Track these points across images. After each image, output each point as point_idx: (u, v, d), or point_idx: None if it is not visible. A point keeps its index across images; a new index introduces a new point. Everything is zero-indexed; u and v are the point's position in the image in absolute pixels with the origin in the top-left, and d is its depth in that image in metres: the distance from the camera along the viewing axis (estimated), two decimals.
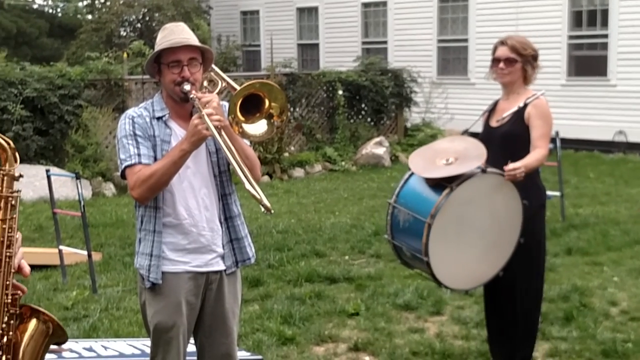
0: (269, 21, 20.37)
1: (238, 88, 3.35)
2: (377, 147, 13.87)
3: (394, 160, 14.02)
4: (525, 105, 4.56)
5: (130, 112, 3.41)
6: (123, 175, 3.35)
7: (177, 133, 3.36)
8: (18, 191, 1.94)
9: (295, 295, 6.23)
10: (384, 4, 18.03)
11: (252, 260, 3.56)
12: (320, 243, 7.94)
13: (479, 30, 16.26)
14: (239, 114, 3.24)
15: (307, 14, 19.79)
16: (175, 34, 3.33)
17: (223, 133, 3.19)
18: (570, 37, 14.92)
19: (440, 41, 17.08)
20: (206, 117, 3.16)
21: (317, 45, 19.56)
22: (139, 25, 21.20)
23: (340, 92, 13.97)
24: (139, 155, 3.29)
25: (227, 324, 3.49)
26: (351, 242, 7.99)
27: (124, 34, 20.98)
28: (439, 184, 4.37)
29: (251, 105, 3.27)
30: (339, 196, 10.96)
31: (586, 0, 14.80)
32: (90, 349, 4.80)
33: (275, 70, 13.95)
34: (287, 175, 12.68)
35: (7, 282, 1.88)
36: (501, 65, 4.62)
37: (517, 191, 4.40)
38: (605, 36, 14.43)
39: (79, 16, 27.52)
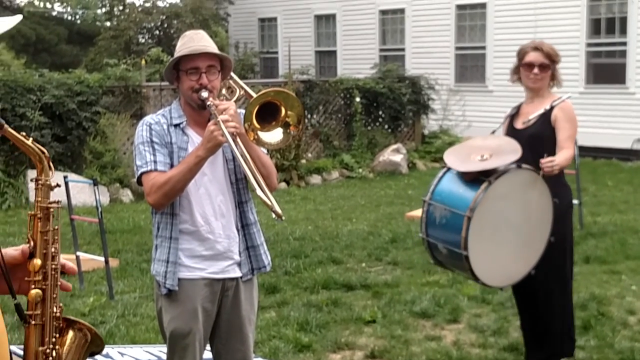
0: (287, 28, 20.41)
1: (252, 93, 3.37)
2: (394, 154, 13.85)
3: (411, 167, 13.99)
4: (552, 107, 4.70)
5: (148, 118, 3.42)
6: (139, 182, 3.37)
7: (195, 140, 3.37)
8: (58, 202, 1.90)
9: (311, 302, 6.22)
10: (402, 11, 18.02)
11: (268, 269, 3.56)
12: (337, 250, 7.93)
13: (497, 37, 16.22)
14: (254, 121, 3.24)
15: (325, 21, 19.82)
16: (195, 41, 3.35)
17: (239, 140, 3.20)
18: (589, 45, 14.85)
19: (458, 48, 17.05)
20: (222, 124, 3.17)
21: (334, 52, 19.58)
22: (157, 32, 21.32)
23: (358, 99, 13.97)
24: (155, 162, 3.30)
25: (243, 331, 3.49)
26: (368, 249, 7.98)
27: (142, 41, 21.10)
28: (475, 179, 4.48)
29: (267, 114, 3.27)
30: (356, 203, 10.95)
31: (605, 8, 14.74)
32: (107, 356, 4.81)
33: (292, 77, 13.97)
34: (304, 182, 12.68)
35: (55, 295, 1.86)
36: (535, 70, 4.73)
37: (548, 189, 4.51)
38: (624, 44, 14.35)
39: (97, 23, 27.72)
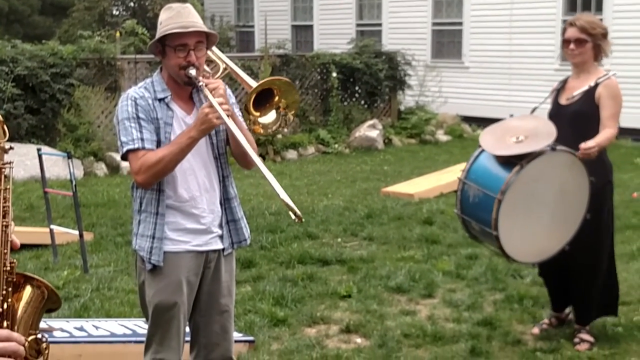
0: (263, 2, 20.26)
1: (244, 77, 3.38)
2: (370, 130, 13.85)
3: (387, 143, 14.01)
4: (597, 84, 4.72)
5: (132, 92, 3.36)
6: (124, 158, 3.32)
7: (179, 115, 3.35)
8: (10, 162, 1.97)
9: (287, 277, 6.23)
10: None
11: (248, 242, 3.59)
12: (313, 225, 7.94)
13: (473, 13, 16.21)
14: (252, 110, 3.28)
15: None
16: (183, 16, 3.28)
17: (232, 121, 3.21)
18: (565, 22, 14.87)
19: (434, 24, 17.02)
20: (218, 106, 3.16)
21: (311, 27, 19.48)
22: (131, 4, 21.06)
23: (334, 74, 13.92)
24: (142, 139, 3.26)
25: (222, 302, 3.50)
26: (344, 225, 7.99)
27: (117, 13, 20.84)
28: (509, 161, 4.57)
29: (262, 98, 3.31)
30: (331, 179, 10.95)
31: None
32: (81, 329, 4.79)
33: (269, 52, 13.89)
34: (280, 157, 12.66)
35: (5, 251, 1.92)
36: (571, 46, 4.78)
37: (584, 168, 4.60)
38: (600, 20, 14.38)
39: None
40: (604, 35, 4.80)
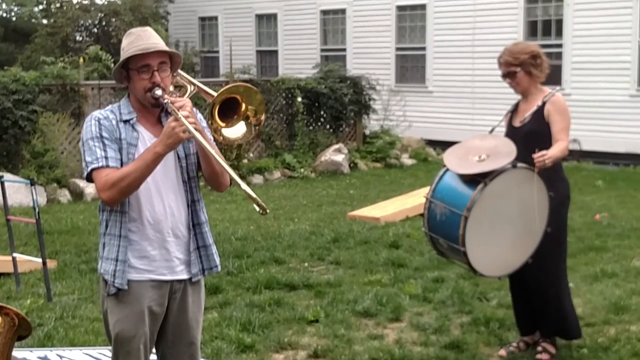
0: (228, 27, 20.31)
1: (207, 89, 3.36)
2: (336, 154, 13.90)
3: (352, 167, 14.06)
4: (544, 103, 4.94)
5: (97, 113, 3.35)
6: (89, 178, 3.28)
7: (145, 137, 3.32)
8: None
9: (254, 302, 6.20)
10: (343, 11, 18.09)
11: (219, 268, 3.52)
12: (280, 250, 7.92)
13: (436, 39, 16.40)
14: (218, 120, 3.22)
15: (267, 21, 19.78)
16: (144, 39, 3.29)
17: (201, 135, 3.17)
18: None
19: (398, 49, 17.18)
20: (184, 120, 3.13)
21: (276, 52, 19.55)
22: (95, 30, 20.98)
23: (299, 99, 13.97)
24: (106, 157, 3.24)
25: (190, 333, 3.46)
26: (310, 249, 7.98)
27: (80, 38, 20.73)
28: (473, 180, 4.74)
29: (228, 109, 3.26)
30: (298, 203, 10.95)
31: (541, 10, 15.03)
32: (45, 358, 4.72)
33: (234, 77, 13.91)
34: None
35: None
36: (507, 81, 5.07)
37: (544, 184, 4.78)
38: (560, 45, 14.64)
39: (33, 20, 27.14)
40: (534, 57, 5.00)
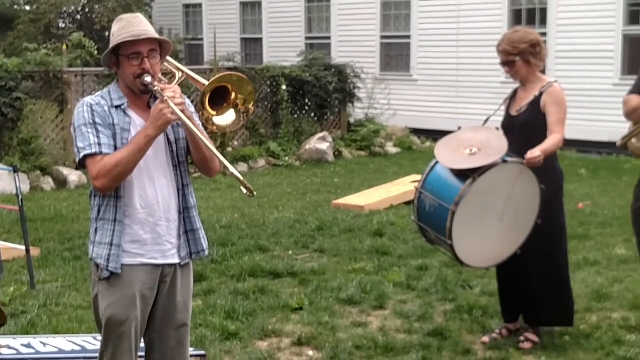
0: (212, 15, 20.22)
1: (196, 77, 3.40)
2: (320, 143, 13.89)
3: (337, 156, 14.06)
4: (541, 94, 4.91)
5: (88, 99, 3.36)
6: (82, 164, 3.29)
7: (136, 122, 3.34)
8: None
9: (238, 290, 6.20)
10: None
11: (206, 252, 3.57)
12: (264, 238, 7.92)
13: (421, 27, 16.40)
14: (208, 108, 3.28)
15: (251, 8, 19.71)
16: (134, 25, 3.30)
17: (186, 115, 3.22)
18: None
19: (383, 37, 17.17)
20: (170, 102, 3.17)
21: (260, 39, 19.49)
22: (78, 17, 20.83)
23: (284, 87, 13.94)
24: (99, 144, 3.25)
25: (178, 317, 3.48)
26: (295, 237, 7.99)
27: (63, 25, 20.58)
28: (462, 173, 4.75)
29: (218, 97, 3.31)
30: (282, 191, 10.95)
31: None
32: (28, 346, 4.70)
33: (218, 65, 13.85)
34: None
35: None
36: (505, 69, 5.02)
37: (535, 177, 4.78)
38: (544, 34, 14.66)
39: (16, 7, 26.89)
40: (534, 45, 4.96)
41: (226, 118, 3.36)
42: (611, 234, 8.05)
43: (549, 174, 4.88)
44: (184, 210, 3.45)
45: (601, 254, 7.26)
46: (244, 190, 3.08)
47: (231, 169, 3.10)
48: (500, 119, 5.19)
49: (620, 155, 13.48)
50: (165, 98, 3.19)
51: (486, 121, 5.17)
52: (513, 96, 5.14)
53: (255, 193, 3.11)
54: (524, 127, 4.91)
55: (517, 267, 5.04)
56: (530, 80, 5.00)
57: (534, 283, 5.06)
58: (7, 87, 11.16)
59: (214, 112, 3.32)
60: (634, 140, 4.42)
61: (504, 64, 5.00)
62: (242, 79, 3.36)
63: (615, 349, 4.99)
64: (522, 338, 5.09)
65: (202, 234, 3.53)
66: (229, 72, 3.41)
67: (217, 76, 3.32)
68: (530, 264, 5.00)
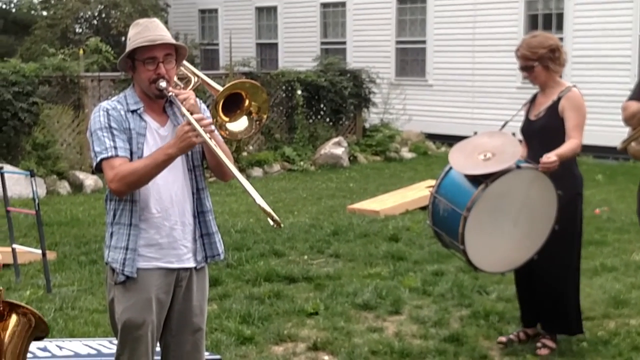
0: (228, 20, 20.28)
1: (211, 82, 3.41)
2: (335, 148, 13.89)
3: (352, 161, 14.04)
4: (559, 98, 4.89)
5: (104, 104, 3.38)
6: (98, 168, 3.31)
7: (152, 126, 3.36)
8: None
9: (254, 294, 6.20)
10: (343, 4, 18.06)
11: (222, 257, 3.57)
12: (279, 243, 7.91)
13: (437, 32, 16.38)
14: (222, 115, 3.28)
15: (267, 14, 19.75)
16: (151, 30, 3.31)
17: (212, 139, 3.23)
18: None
19: (398, 42, 17.16)
20: (196, 124, 3.17)
21: (275, 44, 19.53)
22: (95, 22, 20.95)
23: (299, 92, 13.95)
24: (115, 147, 3.27)
25: (194, 321, 3.48)
26: (310, 242, 7.98)
27: (80, 30, 20.70)
28: (476, 178, 4.74)
29: (231, 103, 3.31)
30: (297, 196, 10.94)
31: (542, 4, 15.01)
32: (44, 349, 4.71)
33: (234, 70, 13.88)
34: (246, 175, 12.61)
35: None
36: (524, 74, 5.02)
37: (551, 182, 4.74)
38: (561, 39, 14.54)
39: (33, 12, 27.09)
40: (552, 51, 4.93)
41: (239, 125, 3.37)
42: (629, 240, 7.99)
43: (567, 180, 4.84)
44: (199, 214, 3.45)
45: (619, 260, 7.21)
46: (271, 222, 3.08)
47: (258, 200, 3.06)
48: (519, 124, 5.16)
49: (637, 161, 13.39)
50: (192, 120, 3.18)
51: (504, 126, 5.14)
52: (532, 101, 5.12)
53: (282, 225, 3.11)
54: (543, 131, 4.89)
55: (535, 272, 5.01)
56: (550, 85, 4.98)
57: (550, 289, 5.02)
58: (24, 92, 11.23)
59: (227, 119, 3.32)
60: (633, 143, 4.41)
61: (523, 69, 4.99)
62: (256, 86, 3.36)
63: (633, 356, 4.95)
64: (539, 344, 5.05)
65: (217, 237, 3.53)
66: (243, 80, 3.40)
67: (231, 83, 3.32)
68: (547, 270, 4.96)
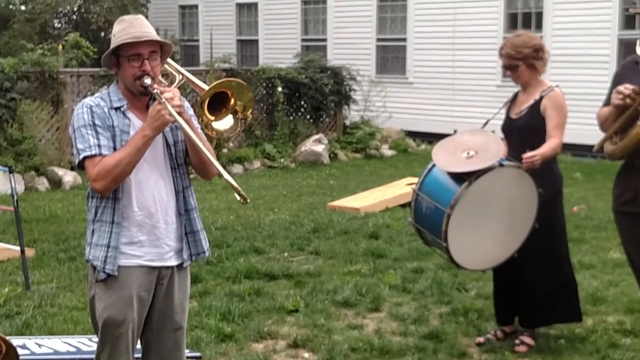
0: (208, 16, 20.22)
1: (196, 81, 3.42)
2: (316, 145, 13.89)
3: (332, 158, 14.06)
4: (541, 97, 4.91)
5: (88, 101, 3.36)
6: (81, 166, 3.29)
7: (135, 124, 3.34)
8: None
9: (234, 292, 6.20)
10: (324, 1, 18.06)
11: (207, 254, 3.58)
12: (260, 240, 7.91)
13: (417, 30, 16.41)
14: (207, 114, 3.30)
15: (247, 10, 19.71)
16: (136, 27, 3.30)
17: (184, 118, 3.24)
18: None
19: (379, 40, 17.19)
20: (167, 104, 3.18)
21: (256, 41, 19.49)
22: (74, 17, 20.81)
23: (280, 89, 13.94)
24: (99, 146, 3.25)
25: (175, 319, 3.48)
26: (290, 239, 7.98)
27: (59, 25, 20.56)
28: (459, 176, 4.77)
29: (217, 102, 3.33)
30: (278, 193, 10.94)
31: (521, 2, 15.08)
32: (23, 347, 4.69)
33: (214, 66, 13.84)
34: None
35: None
36: (508, 73, 5.05)
37: (532, 180, 4.78)
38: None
39: (11, 6, 26.85)
40: (537, 50, 4.97)
41: (224, 123, 3.38)
42: (606, 238, 8.06)
43: (547, 179, 4.89)
44: (184, 212, 3.45)
45: (596, 258, 7.27)
46: (237, 197, 3.10)
47: (225, 175, 3.13)
48: (500, 122, 5.19)
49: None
50: (163, 100, 3.19)
51: (485, 124, 5.16)
52: (513, 99, 5.15)
53: (248, 200, 3.13)
54: (524, 130, 4.93)
55: (515, 270, 5.04)
56: (532, 84, 5.01)
57: (531, 285, 5.05)
58: (2, 88, 11.14)
59: (212, 117, 3.33)
60: (607, 144, 4.46)
61: (507, 67, 5.02)
62: (242, 85, 3.37)
63: (610, 353, 5.00)
64: (517, 341, 5.09)
65: (203, 235, 3.53)
66: (229, 78, 3.41)
67: (217, 81, 3.33)
68: (527, 267, 5.00)
